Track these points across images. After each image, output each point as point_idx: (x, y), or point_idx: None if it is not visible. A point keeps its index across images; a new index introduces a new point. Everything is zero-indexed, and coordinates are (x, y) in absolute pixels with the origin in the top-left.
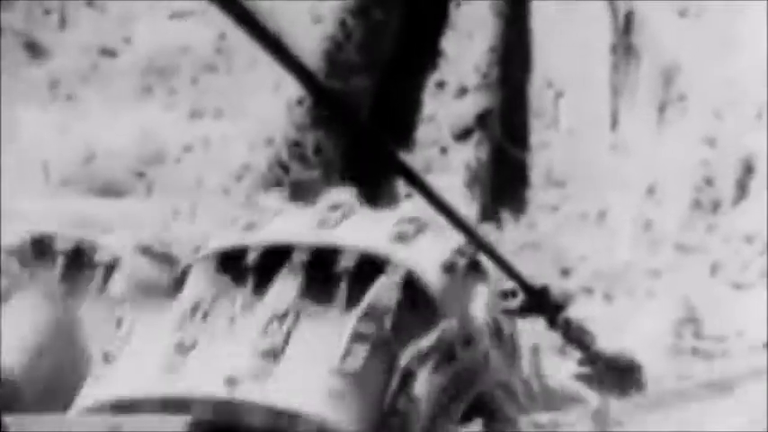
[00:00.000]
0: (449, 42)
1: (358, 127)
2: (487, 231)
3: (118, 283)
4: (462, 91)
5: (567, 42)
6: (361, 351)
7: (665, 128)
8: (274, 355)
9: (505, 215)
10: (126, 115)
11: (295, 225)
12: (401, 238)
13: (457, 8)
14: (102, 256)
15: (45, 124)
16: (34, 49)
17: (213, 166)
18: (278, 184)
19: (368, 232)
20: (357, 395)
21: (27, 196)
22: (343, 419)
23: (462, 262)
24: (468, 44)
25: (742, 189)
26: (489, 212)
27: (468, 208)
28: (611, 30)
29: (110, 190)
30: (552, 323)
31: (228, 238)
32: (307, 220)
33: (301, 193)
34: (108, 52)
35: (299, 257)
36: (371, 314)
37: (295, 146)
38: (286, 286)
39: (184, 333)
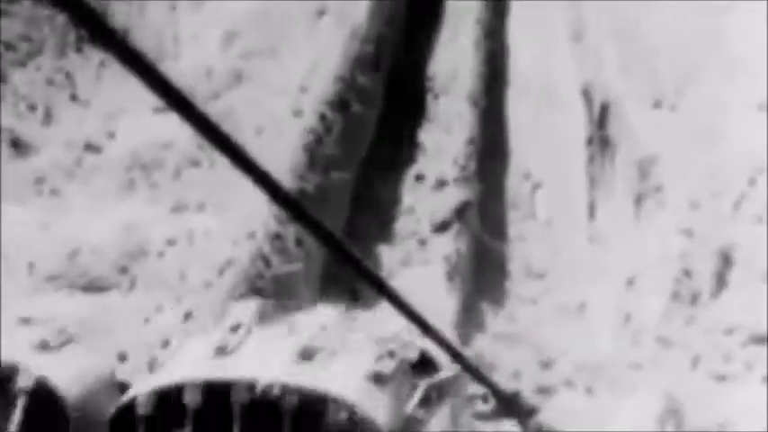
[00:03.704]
0: (427, 135)
1: (326, 237)
2: (467, 326)
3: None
4: (441, 183)
5: (543, 134)
6: None
7: (643, 219)
8: None
9: (485, 308)
10: (109, 210)
11: (192, 354)
12: (307, 355)
13: (435, 101)
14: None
15: (29, 220)
16: (19, 146)
17: (196, 260)
18: (259, 277)
19: (272, 354)
20: None
21: (11, 294)
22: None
23: (391, 366)
24: (446, 137)
25: (721, 281)
26: (469, 305)
27: (447, 301)
28: (586, 121)
29: (93, 286)
30: (524, 428)
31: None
32: (205, 348)
33: (283, 288)
34: (92, 147)
35: (191, 399)
36: None
37: (276, 239)
38: None
39: None
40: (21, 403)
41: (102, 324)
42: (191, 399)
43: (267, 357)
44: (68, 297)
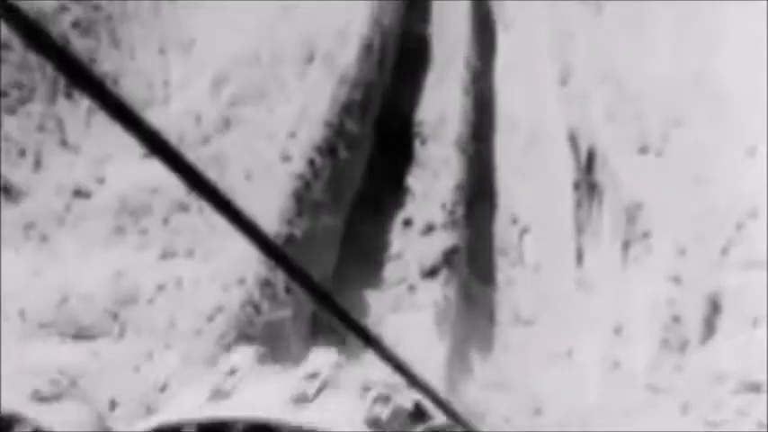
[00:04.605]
0: (415, 180)
1: (312, 289)
2: (457, 373)
3: None
4: (429, 228)
5: (531, 178)
6: None
7: (630, 265)
8: None
9: (474, 354)
10: (99, 256)
11: (186, 397)
12: (300, 399)
13: (423, 146)
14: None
15: (19, 267)
16: (9, 192)
17: (185, 306)
18: (249, 324)
19: (265, 397)
20: None
21: (3, 342)
22: None
23: (386, 412)
24: (434, 182)
25: (710, 327)
26: (458, 352)
27: (436, 347)
28: (573, 167)
29: (83, 333)
30: None
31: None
32: (200, 390)
33: (273, 334)
34: (82, 193)
35: None
36: None
37: (266, 285)
38: None
39: None
40: None
41: (94, 372)
42: None
43: (263, 400)
44: (60, 345)
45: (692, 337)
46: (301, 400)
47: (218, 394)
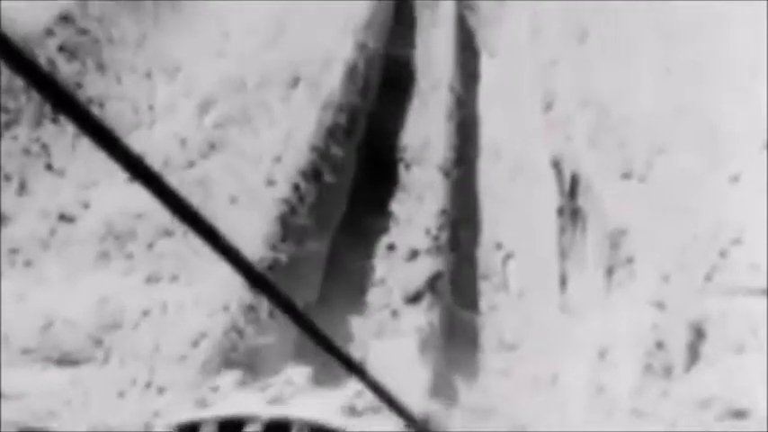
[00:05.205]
0: (399, 205)
1: (295, 316)
2: (441, 398)
3: None
4: (413, 254)
5: (514, 204)
6: None
7: (614, 291)
8: None
9: (458, 380)
10: (84, 282)
11: (246, 402)
12: (352, 411)
13: (407, 171)
14: None
15: (3, 292)
16: None
17: (170, 331)
18: (233, 349)
19: (319, 407)
20: None
21: None
22: None
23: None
24: (418, 207)
25: (694, 353)
26: (442, 378)
27: (420, 373)
28: (557, 193)
29: (67, 359)
30: None
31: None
32: (258, 398)
33: (256, 361)
34: (66, 218)
35: (253, 429)
36: None
37: (250, 310)
38: None
39: None
40: None
41: (78, 399)
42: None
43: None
44: (42, 371)
45: (677, 363)
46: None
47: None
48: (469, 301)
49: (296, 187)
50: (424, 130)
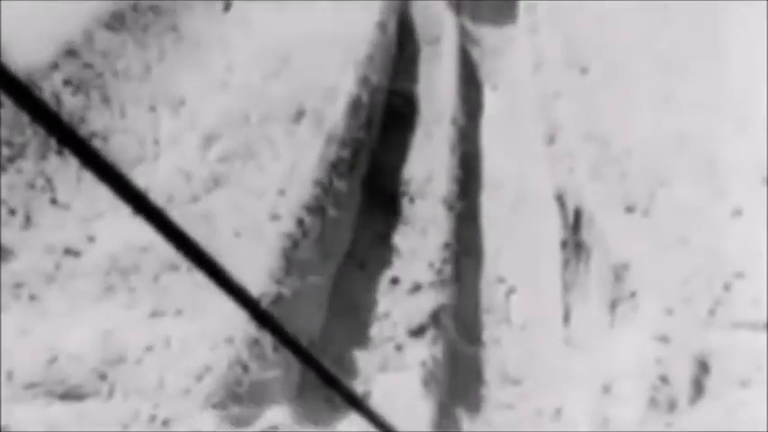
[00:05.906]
0: (402, 238)
1: (298, 352)
2: None
3: None
4: (416, 287)
5: (517, 237)
6: None
7: (618, 325)
8: None
9: (461, 414)
10: (88, 316)
11: None
12: None
13: (410, 204)
14: None
15: (7, 326)
16: None
17: (174, 366)
18: (237, 384)
19: None
20: None
21: None
22: None
23: None
24: (421, 240)
25: (698, 388)
26: (445, 412)
27: (424, 408)
28: (560, 226)
29: (71, 394)
30: None
31: None
32: None
33: (260, 394)
34: (71, 252)
35: None
36: None
37: (254, 344)
38: None
39: None
40: None
41: None
42: None
43: None
44: (47, 406)
45: (681, 397)
46: None
47: None
48: (473, 334)
49: (300, 222)
50: (428, 164)
